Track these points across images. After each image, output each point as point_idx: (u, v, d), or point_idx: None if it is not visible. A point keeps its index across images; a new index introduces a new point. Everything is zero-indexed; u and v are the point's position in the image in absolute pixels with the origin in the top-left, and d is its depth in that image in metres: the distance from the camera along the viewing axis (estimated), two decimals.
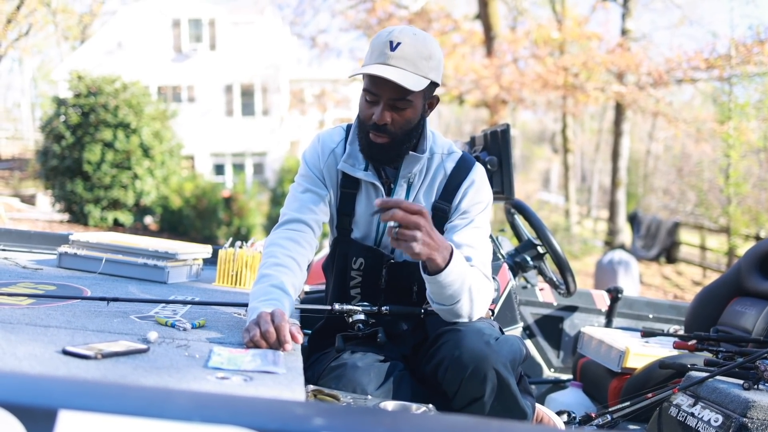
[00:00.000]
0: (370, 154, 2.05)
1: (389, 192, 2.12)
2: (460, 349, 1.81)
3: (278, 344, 1.62)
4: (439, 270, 1.81)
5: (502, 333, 2.08)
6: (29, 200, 19.76)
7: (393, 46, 1.91)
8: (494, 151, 3.12)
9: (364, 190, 2.13)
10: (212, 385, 1.33)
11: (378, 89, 1.95)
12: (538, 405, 2.26)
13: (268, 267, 1.93)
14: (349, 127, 2.20)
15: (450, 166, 2.13)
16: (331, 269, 2.24)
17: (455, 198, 2.10)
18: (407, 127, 2.00)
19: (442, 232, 2.08)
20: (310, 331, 2.30)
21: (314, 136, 2.25)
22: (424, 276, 1.86)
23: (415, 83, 1.91)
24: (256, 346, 1.62)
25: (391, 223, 1.71)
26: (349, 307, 1.99)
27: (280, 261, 1.95)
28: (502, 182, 3.10)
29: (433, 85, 2.02)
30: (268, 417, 0.91)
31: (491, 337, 1.84)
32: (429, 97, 2.06)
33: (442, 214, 2.10)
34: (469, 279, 1.88)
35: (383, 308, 2.01)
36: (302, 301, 2.62)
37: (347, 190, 2.14)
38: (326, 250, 3.05)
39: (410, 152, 2.06)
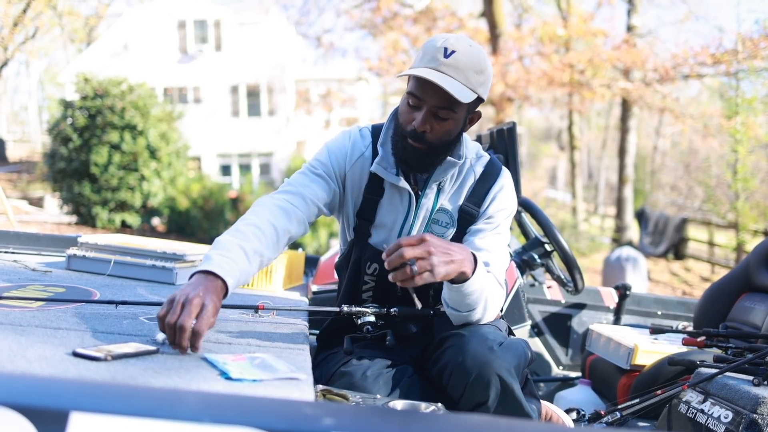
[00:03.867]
0: (404, 158, 1.99)
1: (417, 197, 2.07)
2: (464, 355, 1.80)
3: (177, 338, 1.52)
4: (465, 279, 1.79)
5: (512, 333, 2.08)
6: (37, 203, 19.84)
7: (447, 53, 1.86)
8: (501, 149, 3.12)
9: (388, 195, 2.09)
10: (222, 385, 1.33)
11: (424, 94, 1.89)
12: (547, 403, 2.26)
13: (247, 224, 1.86)
14: (377, 129, 2.15)
15: (479, 170, 2.10)
16: (344, 270, 2.22)
17: (484, 202, 2.08)
18: (446, 139, 1.95)
19: (465, 234, 2.07)
20: (318, 331, 2.31)
21: (347, 131, 2.18)
22: (446, 284, 1.84)
23: (463, 94, 1.86)
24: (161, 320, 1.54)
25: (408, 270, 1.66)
26: (358, 309, 1.96)
27: (261, 225, 1.87)
28: None
29: (479, 100, 1.96)
30: (277, 417, 0.91)
31: (495, 343, 1.82)
32: (472, 111, 2.01)
33: (468, 217, 2.08)
34: (487, 289, 1.88)
35: (392, 310, 2.00)
36: (311, 301, 2.62)
37: (371, 196, 2.09)
38: (334, 249, 3.06)
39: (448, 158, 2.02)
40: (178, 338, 1.50)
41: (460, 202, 2.08)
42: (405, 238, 1.68)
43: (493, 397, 1.78)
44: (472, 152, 2.12)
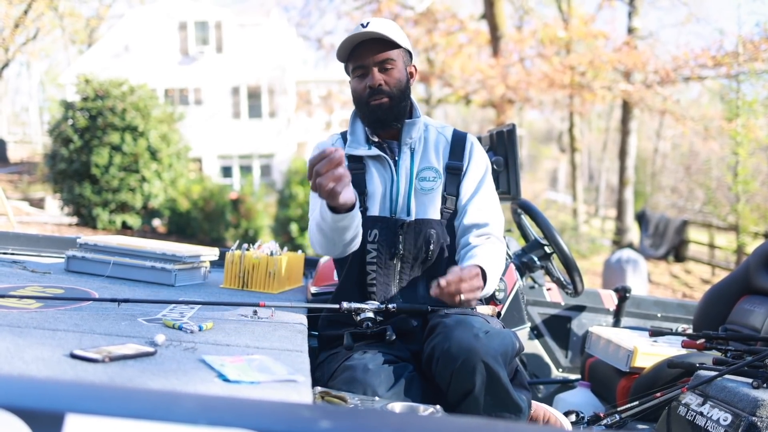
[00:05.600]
0: (375, 120, 2.24)
1: (395, 162, 2.27)
2: (450, 342, 1.87)
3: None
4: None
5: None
6: (38, 204, 19.83)
7: (364, 25, 2.17)
8: (500, 151, 3.12)
9: (370, 166, 2.28)
10: (219, 387, 1.33)
11: (363, 57, 2.20)
12: (544, 405, 2.26)
13: None
14: (344, 132, 2.39)
15: (449, 134, 2.37)
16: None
17: (464, 156, 2.32)
18: (399, 86, 2.22)
19: (458, 189, 2.27)
20: (317, 333, 2.31)
21: (315, 145, 2.37)
22: None
23: (392, 36, 2.17)
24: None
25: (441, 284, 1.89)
26: (358, 305, 2.03)
27: None
28: (508, 182, 3.09)
29: (408, 54, 2.29)
30: (274, 420, 0.91)
31: (481, 330, 1.88)
32: (408, 64, 2.29)
33: (456, 172, 2.30)
34: (497, 274, 2.13)
35: (390, 306, 2.04)
36: (310, 303, 2.62)
37: (355, 171, 2.26)
38: None
39: (407, 120, 2.27)
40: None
41: (444, 160, 2.30)
42: (466, 277, 1.89)
43: (480, 384, 1.82)
44: (436, 124, 2.39)
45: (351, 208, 1.95)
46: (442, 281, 1.87)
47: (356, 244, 2.14)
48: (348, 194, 1.89)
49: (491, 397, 1.83)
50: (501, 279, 2.93)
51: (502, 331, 1.94)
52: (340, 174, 1.80)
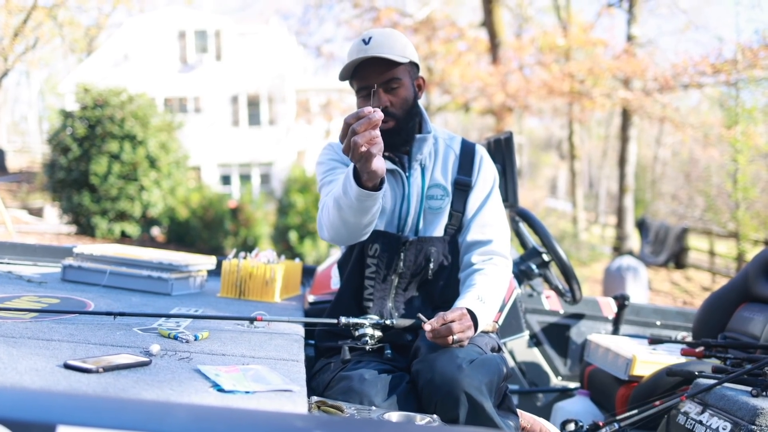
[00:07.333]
0: (385, 143, 2.08)
1: (407, 178, 2.22)
2: (433, 373, 1.86)
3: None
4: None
5: (500, 348, 2.12)
6: (37, 213, 19.84)
7: (366, 41, 2.10)
8: (498, 159, 3.12)
9: None
10: (214, 397, 1.32)
11: (368, 79, 2.12)
12: (541, 420, 2.25)
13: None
14: None
15: (457, 147, 2.32)
16: (346, 264, 2.29)
17: (473, 171, 2.29)
18: (406, 106, 2.16)
19: (464, 205, 2.25)
20: (313, 342, 2.30)
21: (324, 147, 2.36)
22: None
23: (395, 57, 2.08)
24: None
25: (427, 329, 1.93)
26: (356, 320, 2.01)
27: None
28: (506, 190, 3.09)
29: (415, 66, 2.20)
30: (268, 430, 0.90)
31: (465, 360, 1.86)
32: (415, 77, 2.22)
33: (464, 188, 2.27)
34: (496, 303, 2.12)
35: (388, 321, 2.03)
36: (307, 313, 2.61)
37: None
38: (331, 259, 3.05)
39: (417, 135, 2.22)
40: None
41: (453, 175, 2.26)
42: (456, 325, 1.92)
43: (463, 415, 1.80)
44: (445, 135, 2.34)
45: (378, 186, 1.85)
46: (427, 326, 1.91)
47: (366, 234, 2.05)
48: (380, 162, 1.79)
49: (476, 426, 1.82)
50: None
51: (488, 359, 1.91)
52: (377, 136, 1.73)
